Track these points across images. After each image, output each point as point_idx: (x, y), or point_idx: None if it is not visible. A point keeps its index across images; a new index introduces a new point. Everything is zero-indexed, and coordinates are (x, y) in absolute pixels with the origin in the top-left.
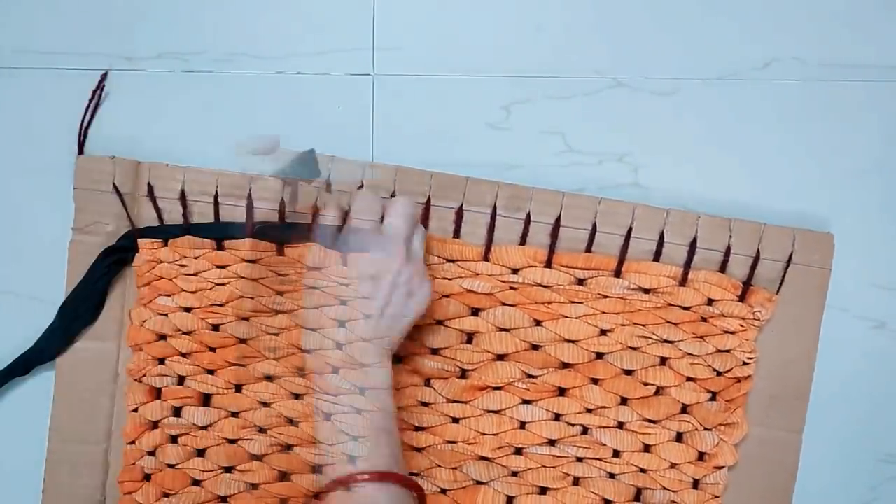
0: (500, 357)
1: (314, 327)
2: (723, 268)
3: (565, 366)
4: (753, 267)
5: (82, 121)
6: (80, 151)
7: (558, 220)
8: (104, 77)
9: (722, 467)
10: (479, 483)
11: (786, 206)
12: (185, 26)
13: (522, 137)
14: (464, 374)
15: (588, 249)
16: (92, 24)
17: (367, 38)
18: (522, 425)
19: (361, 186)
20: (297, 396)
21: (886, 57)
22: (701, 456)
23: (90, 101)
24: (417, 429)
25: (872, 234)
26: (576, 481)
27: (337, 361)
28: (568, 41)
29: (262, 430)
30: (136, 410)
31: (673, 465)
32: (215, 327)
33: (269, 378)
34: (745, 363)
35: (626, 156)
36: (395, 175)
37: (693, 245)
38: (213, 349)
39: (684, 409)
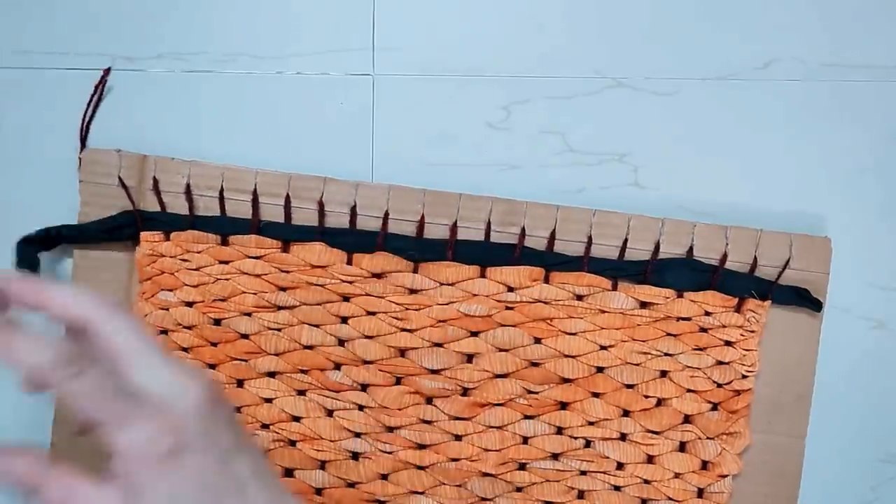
0: (501, 375)
1: (316, 323)
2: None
3: (565, 381)
4: (751, 271)
5: (84, 115)
6: (83, 147)
7: (553, 233)
8: (107, 72)
9: (726, 476)
10: (483, 500)
11: (786, 207)
12: (185, 26)
13: (522, 137)
14: (465, 391)
15: (585, 261)
16: (92, 24)
17: (367, 38)
18: (525, 440)
19: (355, 206)
20: (300, 393)
21: (887, 57)
22: (704, 465)
23: (92, 95)
24: (420, 447)
25: (873, 234)
26: (580, 495)
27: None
28: (568, 41)
29: (265, 426)
30: None
31: (677, 475)
32: (217, 322)
33: (271, 374)
34: (744, 376)
35: (626, 156)
36: (388, 194)
37: (690, 254)
38: (214, 344)
39: (686, 419)
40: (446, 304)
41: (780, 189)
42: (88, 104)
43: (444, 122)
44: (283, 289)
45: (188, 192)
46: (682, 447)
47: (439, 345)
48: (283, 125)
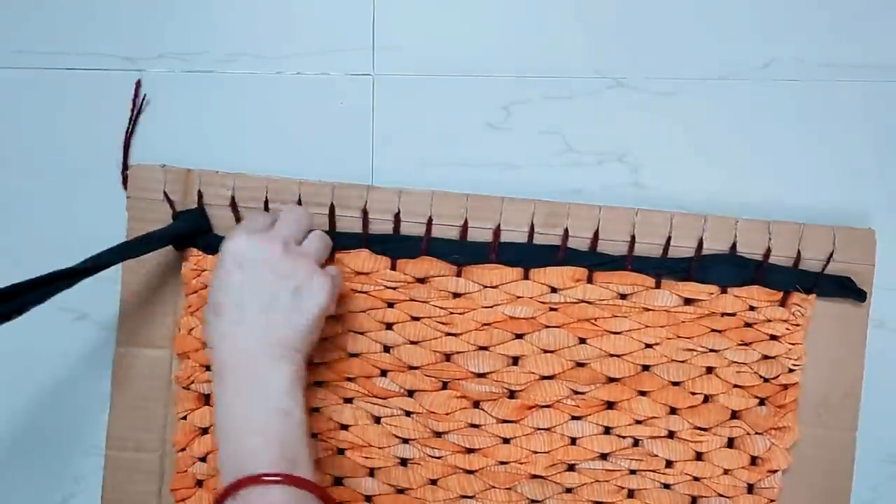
0: (547, 377)
1: (361, 331)
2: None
3: (612, 380)
4: (795, 265)
5: (127, 131)
6: (125, 161)
7: (596, 234)
8: (139, 84)
9: (776, 471)
10: (533, 502)
11: (785, 207)
12: (185, 26)
13: (522, 137)
14: (512, 394)
15: (628, 260)
16: (92, 24)
17: (367, 38)
18: (573, 441)
19: (398, 213)
20: (346, 401)
21: (886, 57)
22: (753, 460)
23: (132, 110)
24: (469, 451)
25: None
26: (630, 494)
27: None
28: (568, 41)
29: (313, 435)
30: (185, 418)
31: (726, 472)
32: None
33: (318, 384)
34: (791, 370)
35: (626, 156)
36: (431, 199)
37: (733, 250)
38: None
39: (734, 414)
40: (490, 307)
41: (780, 189)
42: (130, 119)
43: (444, 122)
44: None
45: (233, 204)
46: (731, 443)
47: (485, 348)
48: (283, 125)
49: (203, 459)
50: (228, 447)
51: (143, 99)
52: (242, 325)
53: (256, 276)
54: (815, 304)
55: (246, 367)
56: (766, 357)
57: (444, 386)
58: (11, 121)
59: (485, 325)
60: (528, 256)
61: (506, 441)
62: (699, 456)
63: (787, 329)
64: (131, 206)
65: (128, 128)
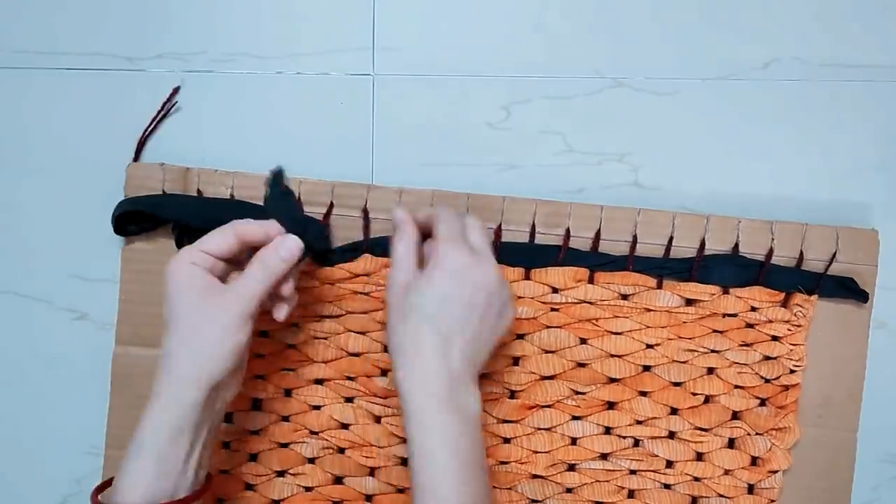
0: (548, 377)
1: (362, 331)
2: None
3: (613, 381)
4: (797, 266)
5: (145, 130)
6: (137, 159)
7: (598, 234)
8: (176, 91)
9: (776, 471)
10: (534, 502)
11: (787, 207)
12: (185, 26)
13: (522, 137)
14: (512, 394)
15: (630, 260)
16: (92, 24)
17: (367, 38)
18: (574, 441)
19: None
20: (347, 400)
21: (887, 56)
22: (754, 461)
23: (159, 111)
24: None
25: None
26: (631, 494)
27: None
28: (568, 41)
29: (314, 433)
30: None
31: (727, 472)
32: (264, 333)
33: (319, 382)
34: (792, 371)
35: (626, 156)
36: (431, 198)
37: (735, 250)
38: (261, 355)
39: (735, 415)
40: None
41: (780, 189)
42: (153, 119)
43: (444, 122)
44: (329, 301)
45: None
46: (732, 444)
47: None
48: (283, 125)
49: None
50: (431, 465)
51: (174, 104)
52: (454, 347)
53: (476, 297)
54: (816, 305)
55: (458, 389)
56: (767, 358)
57: None
58: (12, 120)
59: None
60: (529, 256)
61: (506, 441)
62: (700, 456)
63: (789, 330)
64: None
65: (148, 126)
